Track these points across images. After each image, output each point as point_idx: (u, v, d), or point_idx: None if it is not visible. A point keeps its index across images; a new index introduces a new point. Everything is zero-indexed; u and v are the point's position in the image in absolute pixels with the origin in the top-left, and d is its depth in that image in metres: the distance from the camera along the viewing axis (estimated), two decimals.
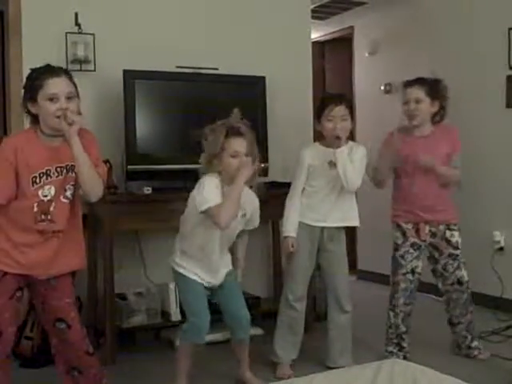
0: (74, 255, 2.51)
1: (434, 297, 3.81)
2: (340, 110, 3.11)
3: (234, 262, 3.00)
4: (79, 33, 3.63)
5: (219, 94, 3.81)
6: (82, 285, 3.41)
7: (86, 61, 3.64)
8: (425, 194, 3.25)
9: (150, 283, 3.76)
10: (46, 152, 2.38)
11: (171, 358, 3.01)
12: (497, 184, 4.35)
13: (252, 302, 3.52)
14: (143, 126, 3.64)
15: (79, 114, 2.37)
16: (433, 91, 3.24)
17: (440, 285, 3.39)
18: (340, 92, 6.00)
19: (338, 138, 3.07)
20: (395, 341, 3.35)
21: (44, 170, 2.37)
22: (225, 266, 2.94)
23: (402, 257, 3.29)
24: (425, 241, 3.29)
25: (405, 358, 3.14)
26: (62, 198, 2.41)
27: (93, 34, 3.66)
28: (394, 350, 3.33)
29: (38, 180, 2.36)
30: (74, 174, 2.42)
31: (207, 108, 3.68)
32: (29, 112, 2.40)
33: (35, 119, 2.41)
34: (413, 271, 3.29)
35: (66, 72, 2.42)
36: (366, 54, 5.58)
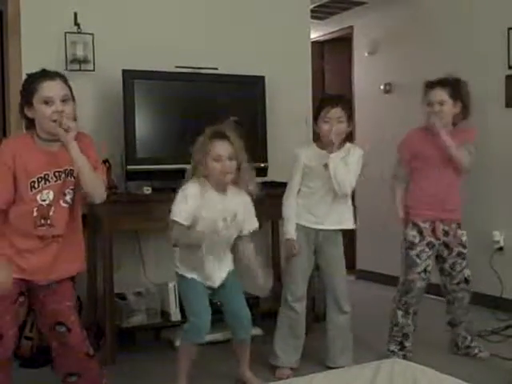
0: (74, 259, 2.51)
1: (433, 296, 3.81)
2: (336, 112, 3.11)
3: (247, 270, 2.94)
4: (78, 33, 3.63)
5: (219, 93, 3.81)
6: (81, 285, 3.40)
7: (85, 61, 3.63)
8: (441, 193, 3.28)
9: (149, 283, 3.76)
10: (44, 157, 2.38)
11: (171, 357, 3.01)
12: (496, 184, 4.35)
13: (252, 302, 3.51)
14: (143, 125, 3.63)
15: (75, 118, 2.38)
16: (455, 92, 3.25)
17: (447, 284, 3.38)
18: (339, 92, 6.03)
19: (331, 142, 3.07)
20: (399, 339, 3.35)
21: (42, 175, 2.37)
22: (224, 267, 2.92)
23: (418, 256, 3.28)
24: (439, 239, 3.31)
25: (405, 357, 3.14)
26: (61, 202, 2.41)
27: (92, 34, 3.66)
28: (396, 349, 3.33)
29: (36, 185, 2.36)
30: (73, 179, 2.43)
31: (207, 108, 3.68)
32: (26, 117, 2.41)
33: (31, 124, 2.41)
34: (425, 270, 3.30)
35: (61, 75, 2.43)
36: (366, 54, 5.58)
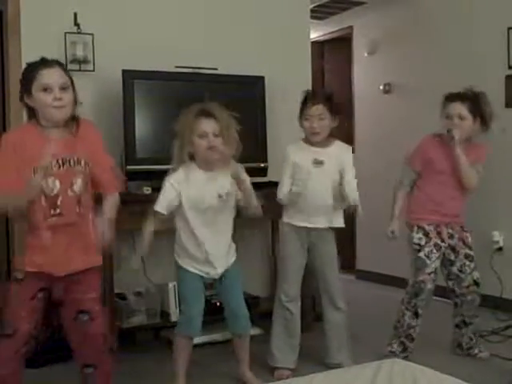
0: (88, 251, 2.48)
1: (434, 298, 3.80)
2: (317, 109, 3.12)
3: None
4: (78, 33, 3.62)
5: (218, 93, 3.79)
6: None
7: (85, 61, 3.63)
8: (445, 201, 3.30)
9: (149, 283, 3.76)
10: (47, 144, 2.37)
11: (171, 357, 3.01)
12: (496, 184, 4.35)
13: (251, 302, 3.52)
14: (142, 126, 3.63)
15: (75, 103, 2.40)
16: (475, 107, 3.25)
17: (455, 288, 3.38)
18: (339, 93, 6.04)
19: (313, 134, 3.09)
20: (402, 340, 3.35)
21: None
22: (225, 254, 2.92)
23: (428, 256, 3.29)
24: (444, 242, 3.32)
25: (405, 358, 3.14)
26: (69, 191, 2.39)
27: (92, 34, 3.66)
28: (398, 350, 3.33)
29: (39, 171, 2.34)
30: (82, 168, 2.41)
31: None
32: (26, 106, 2.41)
33: (32, 113, 2.41)
34: (435, 271, 3.31)
35: (60, 63, 2.43)
36: (365, 54, 5.58)
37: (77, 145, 2.41)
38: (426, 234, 3.31)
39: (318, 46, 6.04)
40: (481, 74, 4.42)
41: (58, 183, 2.37)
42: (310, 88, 4.39)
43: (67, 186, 2.39)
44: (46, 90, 2.33)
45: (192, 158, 2.85)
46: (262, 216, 2.84)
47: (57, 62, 2.42)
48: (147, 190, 3.45)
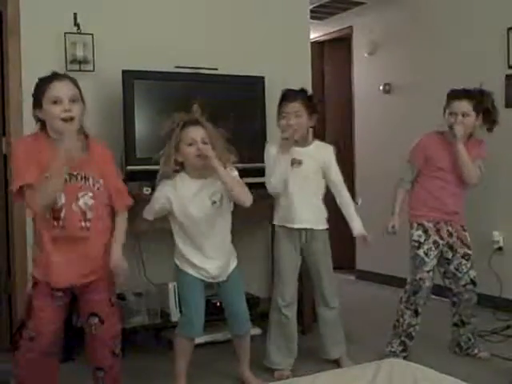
0: (92, 267, 2.49)
1: (434, 297, 3.81)
2: (294, 107, 3.12)
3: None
4: (78, 33, 3.62)
5: (218, 94, 3.80)
6: None
7: (84, 61, 3.63)
8: (445, 198, 3.30)
9: (149, 284, 3.76)
10: (56, 155, 2.37)
11: (171, 358, 3.02)
12: (496, 184, 4.35)
13: (251, 302, 3.52)
14: (142, 126, 3.63)
15: (81, 120, 2.43)
16: (479, 105, 3.26)
17: (452, 287, 3.38)
18: (339, 92, 6.05)
19: (286, 138, 3.08)
20: (402, 339, 3.35)
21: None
22: (224, 260, 2.91)
23: (426, 254, 3.30)
24: (443, 239, 3.32)
25: (405, 358, 3.14)
26: (73, 206, 2.42)
27: (92, 35, 3.66)
28: (398, 350, 3.33)
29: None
30: (89, 185, 2.44)
31: (206, 108, 3.67)
32: (38, 119, 2.44)
33: (44, 126, 2.45)
34: (433, 269, 3.31)
35: (71, 78, 2.48)
36: (365, 54, 5.58)
37: (85, 162, 2.44)
38: (426, 231, 3.32)
39: (317, 46, 6.05)
40: (481, 73, 4.41)
41: (63, 196, 2.39)
42: (309, 88, 4.42)
43: (72, 201, 2.41)
44: (55, 102, 2.36)
45: (182, 166, 2.85)
46: (251, 202, 2.80)
47: (67, 77, 2.46)
48: (147, 191, 3.44)
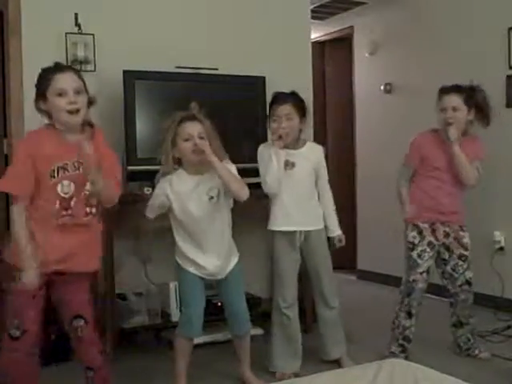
0: (91, 255, 2.53)
1: (434, 296, 3.81)
2: (284, 109, 3.11)
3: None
4: (79, 33, 3.63)
5: (219, 94, 3.80)
6: None
7: (85, 61, 3.63)
8: (441, 198, 3.28)
9: (150, 284, 3.76)
10: (63, 147, 2.40)
11: (171, 358, 3.01)
12: (497, 184, 4.35)
13: (252, 302, 3.52)
14: (143, 126, 3.63)
15: (88, 107, 2.45)
16: (469, 100, 3.25)
17: (449, 287, 3.38)
18: (340, 92, 6.05)
19: (279, 138, 3.08)
20: (401, 342, 3.34)
21: (61, 164, 2.38)
22: (224, 256, 2.90)
23: (420, 256, 3.29)
24: (438, 240, 3.31)
25: (406, 359, 3.14)
26: (82, 193, 2.43)
27: (93, 35, 3.66)
28: (397, 351, 3.33)
29: (55, 174, 2.37)
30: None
31: (207, 108, 3.67)
32: (41, 110, 2.44)
33: (48, 117, 2.45)
34: (427, 271, 3.30)
35: (74, 69, 2.50)
36: (366, 54, 5.58)
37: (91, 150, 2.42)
38: (420, 232, 3.31)
39: (318, 46, 6.04)
40: (482, 73, 4.40)
41: (72, 186, 2.40)
42: (310, 88, 4.42)
43: (80, 189, 2.42)
44: (60, 94, 2.37)
45: (180, 163, 2.86)
46: (248, 197, 2.81)
47: (70, 67, 2.49)
48: (148, 191, 3.44)
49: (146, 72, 3.64)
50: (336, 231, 3.27)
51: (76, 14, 3.63)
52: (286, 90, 4.08)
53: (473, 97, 3.26)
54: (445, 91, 3.30)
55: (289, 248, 3.20)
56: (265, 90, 3.95)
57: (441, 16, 4.82)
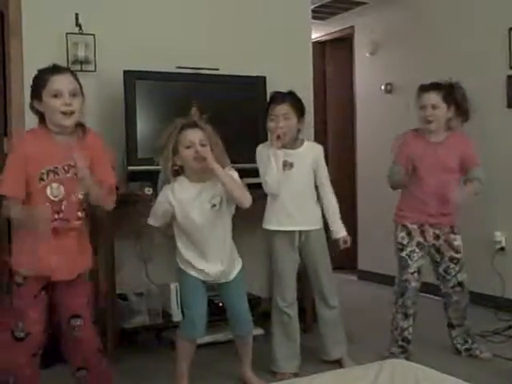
0: (85, 254, 2.55)
1: (433, 296, 3.81)
2: (282, 109, 3.10)
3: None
4: (80, 33, 3.63)
5: (219, 94, 3.81)
6: None
7: (86, 61, 3.64)
8: (433, 198, 3.25)
9: (151, 284, 3.76)
10: (56, 149, 2.40)
11: (172, 358, 3.01)
12: (498, 184, 4.34)
13: (253, 302, 3.52)
14: (144, 126, 3.64)
15: (81, 112, 2.42)
16: (448, 97, 3.24)
17: (442, 288, 3.39)
18: (340, 92, 6.05)
19: (278, 138, 3.08)
20: (400, 343, 3.34)
21: (51, 168, 2.38)
22: (227, 262, 2.89)
23: (409, 256, 3.29)
24: (428, 241, 3.30)
25: (406, 359, 3.14)
26: (73, 197, 2.42)
27: (93, 35, 3.66)
28: (397, 352, 3.33)
29: (44, 177, 2.37)
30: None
31: (207, 108, 3.68)
32: (36, 111, 2.44)
33: (42, 118, 2.44)
34: (419, 270, 3.30)
35: (71, 71, 2.49)
36: (367, 54, 5.58)
37: (83, 153, 2.42)
38: (409, 233, 3.30)
39: (319, 46, 6.04)
40: (482, 74, 4.42)
41: (62, 189, 2.39)
42: (311, 88, 4.42)
43: (71, 192, 2.41)
44: (56, 95, 2.36)
45: (182, 171, 2.84)
46: (250, 204, 2.80)
47: (67, 69, 2.47)
48: (148, 191, 3.45)
49: (147, 72, 3.64)
50: (341, 233, 3.23)
51: (77, 15, 3.63)
52: (287, 90, 4.10)
53: (452, 94, 3.25)
54: (424, 89, 3.30)
55: (288, 248, 3.20)
56: (265, 90, 3.94)
57: (441, 16, 4.82)
